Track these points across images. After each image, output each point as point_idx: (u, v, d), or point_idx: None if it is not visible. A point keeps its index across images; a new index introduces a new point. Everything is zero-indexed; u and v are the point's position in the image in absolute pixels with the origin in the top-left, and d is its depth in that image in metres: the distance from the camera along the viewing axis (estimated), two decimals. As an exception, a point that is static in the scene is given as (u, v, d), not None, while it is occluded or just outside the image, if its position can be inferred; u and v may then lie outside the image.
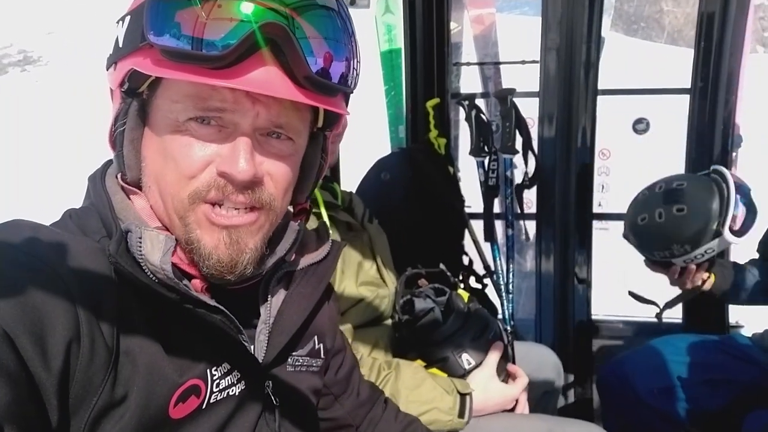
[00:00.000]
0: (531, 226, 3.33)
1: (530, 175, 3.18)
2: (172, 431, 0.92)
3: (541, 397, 2.42)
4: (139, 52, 0.91)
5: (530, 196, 3.32)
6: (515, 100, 3.10)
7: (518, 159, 3.19)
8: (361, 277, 1.97)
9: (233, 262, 0.97)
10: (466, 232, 3.11)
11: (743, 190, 2.30)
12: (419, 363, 1.95)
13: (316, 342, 1.22)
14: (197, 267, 0.98)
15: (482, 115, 3.16)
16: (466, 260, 3.08)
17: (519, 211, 3.28)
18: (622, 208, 3.52)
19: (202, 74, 0.87)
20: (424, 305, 2.03)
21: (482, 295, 2.75)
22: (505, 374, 1.99)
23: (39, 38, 18.98)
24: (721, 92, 2.94)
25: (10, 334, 0.74)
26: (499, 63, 3.71)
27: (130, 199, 1.00)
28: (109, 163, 1.06)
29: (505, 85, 3.66)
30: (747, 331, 2.95)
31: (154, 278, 0.90)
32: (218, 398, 0.98)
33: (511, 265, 3.22)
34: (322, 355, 1.24)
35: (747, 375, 2.35)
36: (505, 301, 3.16)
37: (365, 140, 4.34)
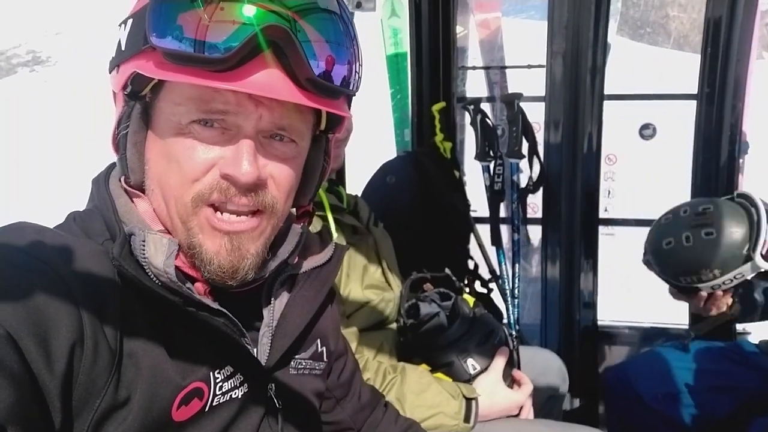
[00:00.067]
0: (537, 231, 3.33)
1: (535, 180, 3.17)
2: None
3: (546, 402, 2.42)
4: (141, 55, 0.91)
5: (536, 201, 3.31)
6: (521, 104, 3.10)
7: (523, 163, 3.18)
8: (367, 281, 1.97)
9: (234, 268, 0.97)
10: (472, 236, 3.11)
11: None
12: (424, 367, 1.95)
13: (319, 345, 1.22)
14: (199, 271, 0.98)
15: (487, 120, 3.16)
16: (471, 264, 3.07)
17: (524, 216, 3.27)
18: (628, 214, 3.54)
19: (205, 77, 0.87)
20: (430, 310, 2.03)
21: (488, 300, 2.75)
22: (510, 379, 1.99)
23: (47, 39, 19.06)
24: (728, 98, 2.94)
25: (14, 336, 0.74)
26: (505, 67, 3.71)
27: (133, 202, 1.00)
28: (112, 166, 1.06)
29: (511, 89, 3.66)
30: (754, 338, 2.93)
31: (157, 281, 0.90)
32: (221, 401, 0.98)
33: (516, 270, 3.21)
34: (324, 358, 1.24)
35: (753, 382, 2.34)
36: (510, 306, 3.15)
37: (371, 144, 4.34)
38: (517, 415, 1.95)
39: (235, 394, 1.00)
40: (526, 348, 2.46)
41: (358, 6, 2.43)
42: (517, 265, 3.20)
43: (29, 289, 0.79)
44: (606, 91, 3.13)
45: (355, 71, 1.00)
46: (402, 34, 3.41)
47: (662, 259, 2.34)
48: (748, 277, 2.21)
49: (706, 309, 2.36)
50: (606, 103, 3.14)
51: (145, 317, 0.90)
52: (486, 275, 2.98)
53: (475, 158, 3.23)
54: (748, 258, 2.16)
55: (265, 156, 0.96)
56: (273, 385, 1.07)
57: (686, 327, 3.22)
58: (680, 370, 2.44)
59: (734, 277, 2.20)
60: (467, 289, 2.75)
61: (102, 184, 1.02)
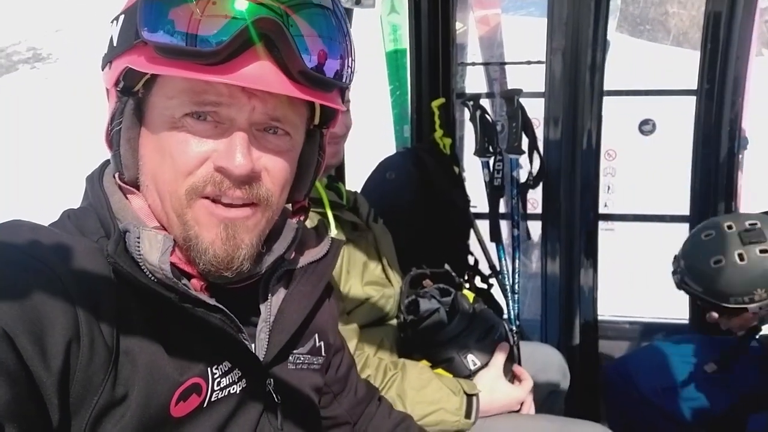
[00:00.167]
0: (536, 227, 3.33)
1: (534, 175, 3.17)
2: (174, 430, 0.92)
3: (547, 398, 2.42)
4: (133, 50, 0.91)
5: (536, 197, 3.31)
6: (520, 100, 3.10)
7: (522, 159, 3.19)
8: (367, 277, 1.97)
9: (229, 257, 0.97)
10: (472, 232, 3.11)
11: None
12: (425, 363, 1.95)
13: (317, 340, 1.22)
14: (195, 265, 0.98)
15: (487, 116, 3.16)
16: (471, 260, 3.07)
17: (524, 212, 3.27)
18: (628, 209, 3.54)
19: (197, 70, 0.87)
20: (429, 306, 2.02)
21: (488, 296, 2.75)
22: (511, 375, 1.99)
23: (47, 36, 19.05)
24: (727, 94, 2.94)
25: (10, 334, 0.75)
26: (505, 63, 3.71)
27: (127, 198, 1.00)
28: (106, 163, 1.06)
29: (510, 86, 3.66)
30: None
31: (152, 278, 0.90)
32: (219, 397, 0.98)
33: (516, 266, 3.22)
34: (322, 353, 1.24)
35: (752, 377, 2.34)
36: (510, 302, 3.15)
37: (370, 140, 4.34)
38: (518, 411, 1.96)
39: (234, 389, 1.00)
40: (526, 344, 2.46)
41: (358, 2, 2.43)
42: (517, 260, 3.20)
43: (25, 287, 0.79)
44: (605, 87, 3.13)
45: (348, 66, 1.00)
46: (401, 31, 3.40)
47: (710, 279, 2.19)
48: None
49: (742, 327, 2.27)
50: (605, 99, 3.14)
51: (141, 314, 0.90)
52: (486, 271, 2.98)
53: (474, 154, 3.23)
54: None
55: (259, 149, 0.96)
56: (271, 380, 1.07)
57: (686, 321, 3.23)
58: (680, 365, 2.44)
59: None
60: (467, 285, 2.75)
61: (96, 182, 1.02)
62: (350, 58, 1.01)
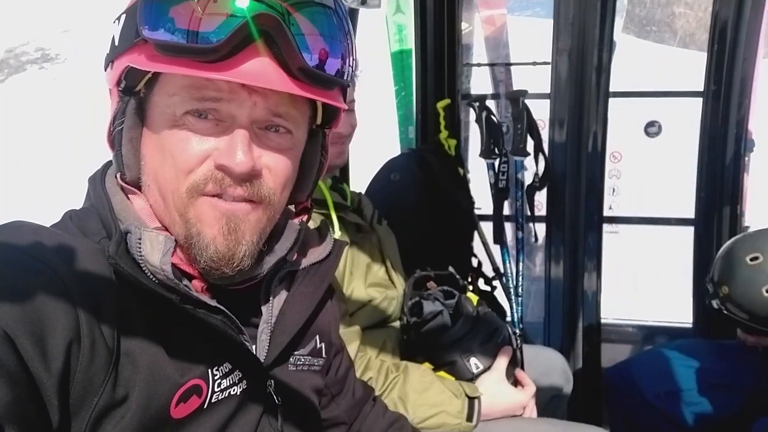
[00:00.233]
0: (541, 229, 3.32)
1: (540, 177, 3.17)
2: (174, 431, 0.91)
3: (549, 402, 2.41)
4: (134, 49, 0.91)
5: (540, 199, 3.31)
6: (526, 101, 3.09)
7: (528, 161, 3.18)
8: (370, 279, 1.97)
9: (231, 253, 0.96)
10: (476, 233, 3.10)
11: None
12: (427, 366, 1.94)
13: (318, 341, 1.22)
14: (196, 264, 0.98)
15: (493, 117, 3.15)
16: (474, 262, 3.07)
17: (529, 214, 3.26)
18: (633, 212, 3.53)
19: (197, 67, 0.87)
20: (433, 308, 2.02)
21: (491, 298, 2.74)
22: (513, 378, 1.98)
23: (56, 36, 19.12)
24: (734, 96, 2.93)
25: (11, 335, 0.74)
26: (510, 64, 3.70)
27: (129, 199, 1.00)
28: (109, 164, 1.05)
29: (516, 87, 3.65)
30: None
31: (154, 279, 0.89)
32: (219, 398, 0.97)
33: (520, 268, 3.21)
34: (323, 354, 1.23)
35: (756, 381, 2.33)
36: (514, 304, 3.15)
37: (375, 141, 4.34)
38: (520, 415, 1.95)
39: (234, 391, 1.00)
40: (529, 347, 2.45)
41: (363, 2, 2.42)
42: (521, 263, 3.20)
43: (26, 288, 0.79)
44: (611, 89, 3.12)
45: (349, 65, 1.00)
46: (407, 31, 3.40)
47: (761, 307, 2.14)
48: None
49: None
50: (611, 101, 3.13)
51: (142, 315, 0.90)
52: (489, 273, 2.98)
53: (480, 155, 3.23)
54: None
55: (260, 146, 0.96)
56: (272, 381, 1.07)
57: (689, 325, 3.22)
58: (683, 369, 2.43)
59: None
60: (470, 287, 2.75)
61: (98, 182, 1.02)
62: (351, 57, 1.00)
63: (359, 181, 2.84)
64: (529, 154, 3.12)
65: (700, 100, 3.07)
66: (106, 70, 0.99)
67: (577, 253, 3.22)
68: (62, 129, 13.05)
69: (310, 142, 1.09)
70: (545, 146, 3.15)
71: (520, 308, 3.19)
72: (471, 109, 3.25)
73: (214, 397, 0.96)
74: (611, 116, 3.15)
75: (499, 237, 3.19)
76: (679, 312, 3.21)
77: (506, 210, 3.27)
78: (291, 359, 1.14)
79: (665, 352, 2.54)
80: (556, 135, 3.19)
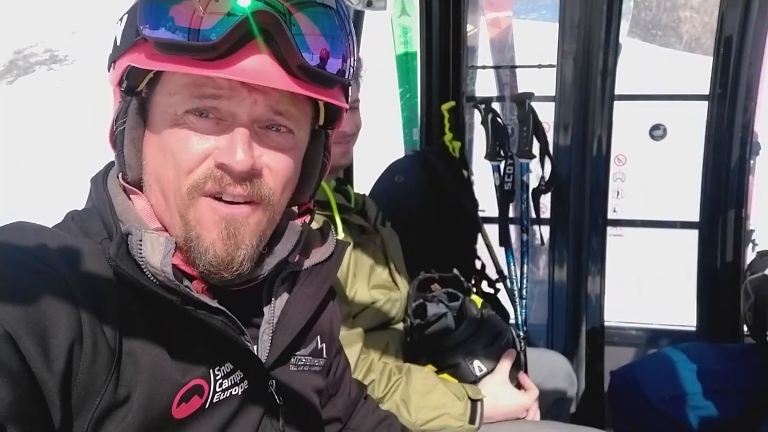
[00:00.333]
0: (545, 232, 3.32)
1: (546, 180, 3.16)
2: (175, 431, 0.92)
3: (553, 405, 2.41)
4: (134, 49, 0.92)
5: (544, 202, 3.30)
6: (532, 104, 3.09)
7: (533, 164, 3.17)
8: (374, 280, 1.97)
9: (230, 257, 0.97)
10: (480, 236, 3.10)
11: None
12: (430, 368, 1.94)
13: (319, 342, 1.22)
14: (195, 267, 0.98)
15: (498, 119, 3.15)
16: (478, 264, 3.06)
17: (534, 216, 3.26)
18: (638, 215, 3.52)
19: (196, 65, 0.88)
20: (437, 310, 2.02)
21: (494, 300, 2.74)
22: (517, 381, 1.98)
23: (64, 37, 19.16)
24: (740, 99, 2.91)
25: (13, 335, 0.75)
26: (515, 66, 3.70)
27: (131, 199, 1.00)
28: (111, 164, 1.06)
29: (520, 89, 3.65)
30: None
31: (154, 280, 0.90)
32: (221, 398, 0.98)
33: (525, 271, 3.20)
34: (324, 355, 1.24)
35: (761, 383, 2.32)
36: (518, 307, 3.14)
37: (379, 143, 4.34)
38: (523, 418, 1.95)
39: (236, 391, 1.00)
40: (533, 350, 2.45)
41: (369, 4, 2.42)
42: (525, 265, 3.19)
43: (28, 289, 0.80)
44: (616, 92, 3.12)
45: (350, 65, 1.00)
46: (412, 33, 3.40)
47: None
48: None
49: None
50: (616, 104, 3.12)
51: (143, 316, 0.90)
52: (493, 275, 2.97)
53: (485, 158, 3.22)
54: None
55: (261, 145, 0.96)
56: (273, 382, 1.07)
57: (693, 328, 3.21)
58: (688, 372, 2.42)
59: None
60: (474, 289, 2.74)
61: (100, 183, 1.02)
62: (352, 57, 1.01)
63: (363, 183, 2.84)
64: (534, 157, 3.12)
65: (705, 104, 3.06)
66: (109, 71, 1.00)
67: (581, 255, 3.22)
68: (70, 130, 13.08)
69: (313, 142, 1.10)
70: (550, 149, 3.14)
71: (524, 311, 3.18)
72: (475, 112, 3.25)
73: (216, 397, 0.97)
74: (616, 119, 3.15)
75: (504, 239, 3.18)
76: (683, 315, 3.20)
77: (511, 212, 3.26)
78: (292, 360, 1.14)
79: (670, 355, 2.53)
80: (560, 138, 3.19)
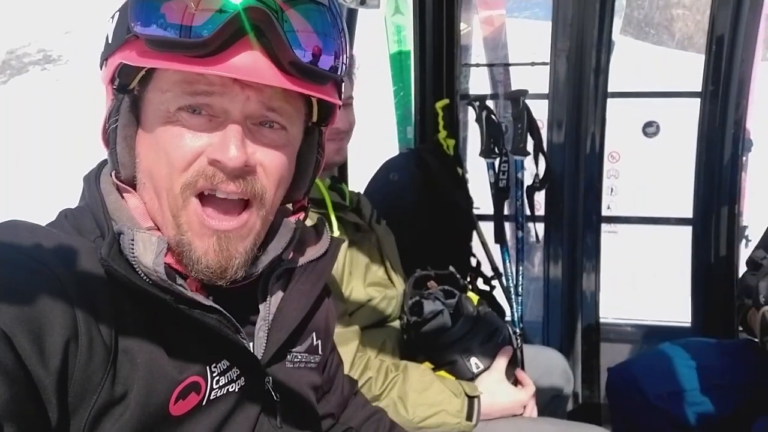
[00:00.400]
0: (540, 229, 3.33)
1: (541, 177, 3.17)
2: (173, 428, 0.92)
3: (550, 402, 2.41)
4: (126, 46, 0.92)
5: (539, 199, 3.31)
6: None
7: (527, 161, 3.18)
8: (369, 278, 1.97)
9: (222, 268, 0.97)
10: (474, 233, 3.10)
11: None
12: (427, 365, 1.94)
13: (314, 338, 1.22)
14: (189, 271, 0.98)
15: (493, 116, 3.15)
16: (473, 262, 3.07)
17: (529, 213, 3.27)
18: (631, 211, 3.53)
19: (188, 62, 0.87)
20: (433, 307, 2.02)
21: (490, 297, 2.74)
22: (514, 378, 1.98)
23: (57, 37, 19.10)
24: (732, 96, 2.93)
25: (8, 334, 0.75)
26: (509, 64, 3.70)
27: (124, 198, 1.00)
28: (104, 162, 1.05)
29: (514, 87, 3.65)
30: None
31: (147, 280, 0.89)
32: (218, 395, 0.98)
33: (520, 268, 3.21)
34: (319, 351, 1.24)
35: (757, 378, 2.33)
36: (514, 304, 3.15)
37: (373, 141, 4.35)
38: (520, 415, 1.95)
39: (232, 387, 1.00)
40: (529, 347, 2.46)
41: (362, 3, 2.43)
42: (520, 262, 3.20)
43: (23, 287, 0.79)
44: (610, 89, 3.13)
45: (343, 62, 1.00)
46: (405, 32, 3.40)
47: None
48: None
49: None
50: (610, 101, 3.13)
51: (138, 314, 0.90)
52: (488, 272, 2.98)
53: (480, 155, 3.23)
54: None
55: (254, 142, 0.96)
56: (270, 378, 1.07)
57: (688, 325, 3.22)
58: (686, 369, 2.43)
59: None
60: (470, 286, 2.75)
61: (93, 182, 1.02)
62: (345, 54, 1.00)
63: (358, 181, 2.84)
64: (529, 154, 3.13)
65: (698, 101, 3.07)
66: (101, 68, 1.00)
67: (576, 252, 3.23)
68: (64, 130, 13.05)
69: (307, 139, 1.10)
70: (544, 146, 3.15)
71: (520, 308, 3.19)
72: (469, 109, 3.25)
73: (213, 394, 0.97)
74: (609, 116, 3.15)
75: (499, 236, 3.19)
76: (678, 311, 3.21)
77: (506, 210, 3.27)
78: (288, 356, 1.14)
79: (667, 351, 2.53)
80: (554, 135, 3.19)
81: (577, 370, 3.16)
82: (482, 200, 3.26)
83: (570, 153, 3.17)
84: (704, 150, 3.08)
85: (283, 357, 1.12)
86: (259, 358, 1.06)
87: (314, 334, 1.22)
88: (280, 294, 1.12)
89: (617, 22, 3.20)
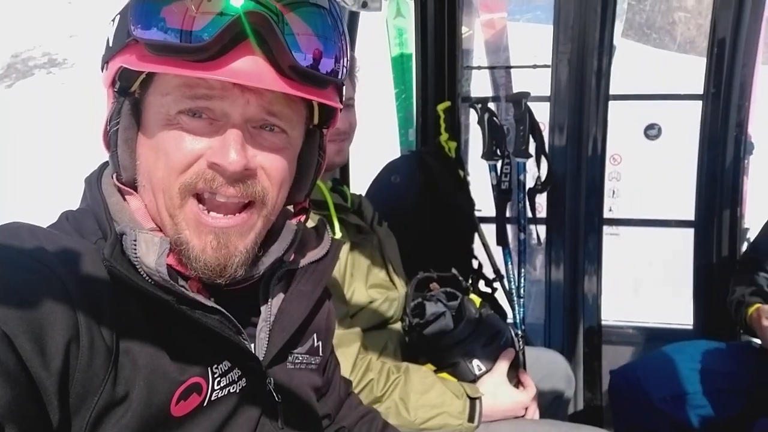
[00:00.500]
0: (541, 231, 3.33)
1: (543, 179, 3.17)
2: (174, 429, 0.92)
3: (551, 404, 2.41)
4: (126, 50, 0.92)
5: (540, 201, 3.31)
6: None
7: (529, 163, 3.18)
8: (371, 280, 1.97)
9: (221, 266, 0.97)
10: (476, 235, 3.10)
11: None
12: (429, 367, 1.94)
13: (315, 340, 1.22)
14: (190, 270, 0.98)
15: (495, 119, 3.16)
16: (475, 264, 3.07)
17: (531, 216, 3.27)
18: (633, 214, 3.53)
19: (188, 67, 0.88)
20: (435, 309, 2.02)
21: (492, 300, 2.74)
22: (516, 380, 1.98)
23: (63, 41, 19.12)
24: (734, 98, 2.93)
25: (9, 335, 0.75)
26: (510, 67, 3.71)
27: (125, 200, 1.00)
28: (105, 164, 1.06)
29: (515, 90, 3.66)
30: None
31: (149, 280, 0.90)
32: (219, 396, 0.98)
33: (522, 270, 3.21)
34: (320, 353, 1.24)
35: (759, 380, 2.33)
36: (516, 306, 3.15)
37: (375, 143, 4.35)
38: (522, 417, 1.95)
39: (234, 388, 1.00)
40: (531, 349, 2.45)
41: (364, 5, 2.43)
42: (522, 265, 3.20)
43: (24, 288, 0.80)
44: (611, 92, 3.13)
45: (343, 65, 1.00)
46: (407, 34, 3.41)
47: None
48: None
49: None
50: (611, 103, 3.13)
51: (140, 315, 0.90)
52: (490, 275, 2.98)
53: (482, 157, 3.23)
54: None
55: (255, 146, 0.96)
56: (271, 379, 1.07)
57: (690, 327, 3.22)
58: (689, 372, 2.42)
59: None
60: (471, 289, 2.75)
61: (94, 184, 1.02)
62: (345, 58, 1.00)
63: (359, 183, 2.85)
64: (531, 156, 3.13)
65: (699, 103, 3.07)
66: (102, 71, 1.00)
67: (578, 254, 3.23)
68: (70, 133, 13.06)
69: (307, 142, 1.10)
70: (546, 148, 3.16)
71: (521, 310, 3.19)
72: (471, 112, 3.25)
73: (214, 395, 0.97)
74: (611, 119, 3.16)
75: (501, 239, 3.19)
76: (680, 314, 3.21)
77: (508, 212, 3.27)
78: (289, 357, 1.14)
79: (670, 354, 2.53)
80: (556, 138, 3.19)
81: (578, 373, 3.16)
82: (484, 202, 3.26)
83: (572, 155, 3.17)
84: (706, 152, 3.08)
85: (284, 358, 1.13)
86: (261, 359, 1.06)
87: (315, 335, 1.22)
88: (281, 295, 1.12)
89: (618, 26, 3.20)
